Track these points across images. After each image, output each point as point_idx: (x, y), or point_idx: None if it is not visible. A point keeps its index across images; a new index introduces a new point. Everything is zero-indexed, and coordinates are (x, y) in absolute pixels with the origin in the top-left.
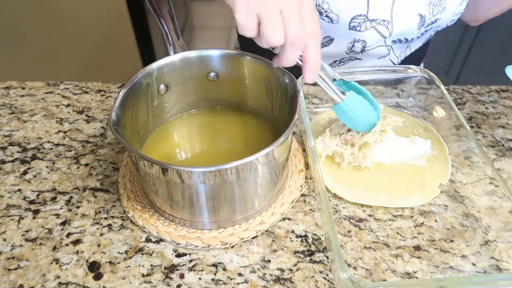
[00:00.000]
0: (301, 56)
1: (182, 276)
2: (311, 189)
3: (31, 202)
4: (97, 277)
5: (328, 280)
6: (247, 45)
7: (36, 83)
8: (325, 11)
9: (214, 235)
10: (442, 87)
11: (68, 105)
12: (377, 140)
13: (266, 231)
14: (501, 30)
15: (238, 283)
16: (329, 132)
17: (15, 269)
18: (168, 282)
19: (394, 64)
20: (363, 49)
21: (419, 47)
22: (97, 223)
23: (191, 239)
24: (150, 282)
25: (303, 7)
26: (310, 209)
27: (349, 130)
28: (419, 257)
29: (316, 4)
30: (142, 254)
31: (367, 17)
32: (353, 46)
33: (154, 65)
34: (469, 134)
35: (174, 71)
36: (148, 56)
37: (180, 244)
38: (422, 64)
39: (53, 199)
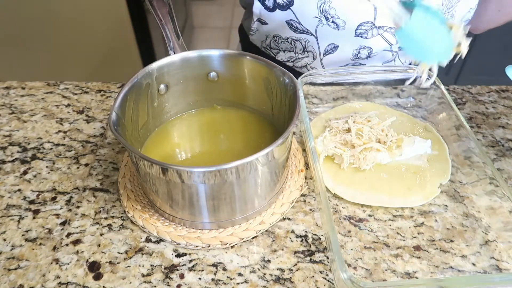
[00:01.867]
0: None
1: (182, 276)
2: (311, 189)
3: (31, 202)
4: (97, 277)
5: (328, 280)
6: (249, 47)
7: (36, 83)
8: (332, 17)
9: (214, 235)
10: (442, 87)
11: (68, 105)
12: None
13: (266, 231)
14: (501, 30)
15: (238, 283)
16: (328, 132)
17: (15, 269)
18: (168, 282)
19: None
20: (369, 55)
21: None
22: (97, 223)
23: (191, 239)
24: (150, 282)
25: None
26: (310, 209)
27: (347, 131)
28: (419, 257)
29: (322, 10)
30: (142, 254)
31: (374, 24)
32: (359, 53)
33: (154, 65)
34: (469, 134)
35: (174, 71)
36: (148, 56)
37: (180, 244)
38: None
39: (53, 199)
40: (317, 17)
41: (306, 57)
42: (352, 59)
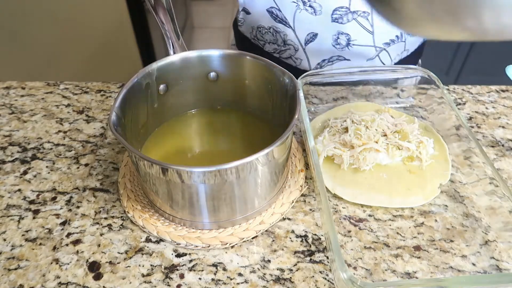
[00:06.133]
0: None
1: (182, 276)
2: (311, 189)
3: (31, 202)
4: (97, 277)
5: (328, 280)
6: (242, 40)
7: (36, 83)
8: (309, 1)
9: (214, 235)
10: (442, 87)
11: (68, 105)
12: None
13: (266, 231)
14: None
15: (238, 283)
16: (327, 133)
17: (15, 269)
18: (168, 282)
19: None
20: (348, 42)
21: (415, 49)
22: (97, 223)
23: (191, 239)
24: (150, 282)
25: None
26: (310, 209)
27: (346, 130)
28: (419, 257)
29: None
30: (142, 254)
31: (349, 9)
32: (338, 38)
33: (154, 65)
34: (469, 134)
35: (174, 71)
36: (148, 56)
37: (180, 244)
38: (419, 63)
39: (53, 199)
40: (294, 2)
41: (288, 49)
42: (334, 45)
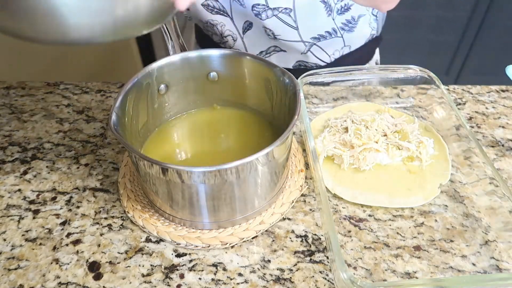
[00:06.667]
0: None
1: (182, 276)
2: (311, 189)
3: (31, 202)
4: (97, 277)
5: (328, 280)
6: (199, 32)
7: (36, 83)
8: None
9: (214, 235)
10: (442, 87)
11: (68, 105)
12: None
13: (266, 231)
14: (501, 30)
15: (238, 283)
16: (327, 132)
17: (15, 269)
18: (168, 282)
19: (326, 62)
20: (275, 36)
21: (360, 46)
22: (97, 223)
23: (191, 239)
24: (150, 282)
25: None
26: (310, 209)
27: (346, 131)
28: (419, 257)
29: None
30: (142, 254)
31: (268, 6)
32: (266, 31)
33: (154, 65)
34: (469, 134)
35: (174, 71)
36: (148, 56)
37: (180, 244)
38: (378, 60)
39: (53, 199)
40: None
41: (227, 41)
42: (268, 34)
